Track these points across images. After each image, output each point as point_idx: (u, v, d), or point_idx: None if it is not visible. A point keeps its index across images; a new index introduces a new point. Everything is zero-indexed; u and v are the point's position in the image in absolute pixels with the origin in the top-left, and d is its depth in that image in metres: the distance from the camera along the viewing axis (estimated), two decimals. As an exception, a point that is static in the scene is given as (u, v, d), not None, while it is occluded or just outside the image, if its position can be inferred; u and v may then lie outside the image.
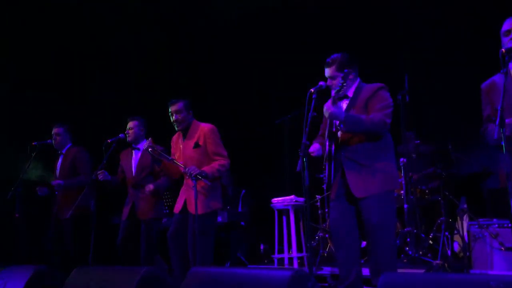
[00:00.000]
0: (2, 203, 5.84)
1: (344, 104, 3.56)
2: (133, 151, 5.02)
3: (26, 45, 7.02)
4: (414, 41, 6.20)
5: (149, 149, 4.16)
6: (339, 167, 3.49)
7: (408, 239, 5.14)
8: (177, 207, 4.33)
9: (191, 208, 4.16)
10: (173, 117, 4.33)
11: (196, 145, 4.28)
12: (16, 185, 5.23)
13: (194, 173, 4.01)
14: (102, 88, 7.34)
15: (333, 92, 3.45)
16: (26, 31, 7.05)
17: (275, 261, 5.59)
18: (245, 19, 7.21)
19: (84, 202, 4.97)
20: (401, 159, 5.28)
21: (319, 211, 6.19)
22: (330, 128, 3.49)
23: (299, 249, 5.52)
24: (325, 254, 5.71)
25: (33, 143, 5.48)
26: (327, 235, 5.76)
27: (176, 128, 4.38)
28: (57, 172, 5.37)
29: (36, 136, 5.47)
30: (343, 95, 3.53)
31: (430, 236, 5.31)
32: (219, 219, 6.27)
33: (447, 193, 5.30)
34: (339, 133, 3.51)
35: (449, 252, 5.15)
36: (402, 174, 5.29)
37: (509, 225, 4.28)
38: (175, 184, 4.92)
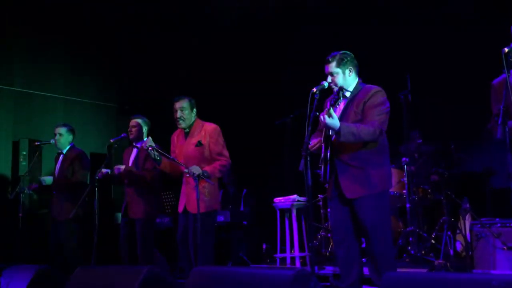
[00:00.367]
0: (5, 202, 5.88)
1: (342, 105, 3.56)
2: (134, 149, 5.03)
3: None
4: (416, 40, 6.19)
5: (149, 149, 4.12)
6: (334, 169, 3.50)
7: (411, 239, 5.14)
8: (180, 207, 4.33)
9: (191, 208, 4.16)
10: (177, 114, 4.30)
11: (199, 144, 4.25)
12: (20, 185, 5.24)
13: (197, 173, 4.00)
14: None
15: (332, 95, 3.47)
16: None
17: (277, 260, 5.59)
18: (247, 18, 7.21)
19: (87, 201, 4.98)
20: (404, 159, 5.27)
21: (321, 211, 6.19)
22: (326, 131, 3.49)
23: (301, 249, 5.52)
24: (327, 254, 5.71)
25: (36, 143, 5.50)
26: (329, 235, 5.76)
27: (178, 126, 4.34)
28: (56, 171, 5.38)
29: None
30: (343, 95, 3.55)
31: (433, 236, 5.30)
32: (221, 218, 6.27)
33: (449, 193, 5.30)
34: (333, 136, 3.52)
35: (451, 252, 5.15)
36: (405, 174, 5.29)
37: (512, 224, 4.28)
38: (175, 183, 4.92)
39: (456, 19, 5.84)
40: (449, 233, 5.13)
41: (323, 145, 3.47)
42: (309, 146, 3.43)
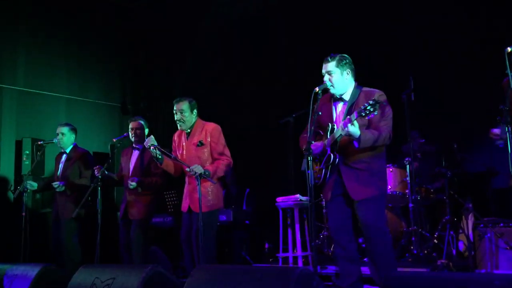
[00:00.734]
0: (8, 202, 5.89)
1: (341, 107, 3.59)
2: (133, 151, 5.04)
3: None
4: (419, 40, 6.18)
5: (151, 147, 4.14)
6: (335, 170, 3.54)
7: (413, 238, 5.14)
8: (184, 206, 4.36)
9: (194, 207, 4.19)
10: (177, 116, 4.33)
11: (200, 143, 4.28)
12: (23, 184, 5.25)
13: (199, 173, 4.01)
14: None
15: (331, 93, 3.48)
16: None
17: (280, 260, 5.59)
18: (249, 17, 7.21)
19: (90, 201, 5.00)
20: (406, 159, 5.27)
21: (324, 210, 6.17)
22: (331, 133, 3.51)
23: (304, 248, 5.52)
24: (330, 253, 5.70)
25: (39, 142, 5.52)
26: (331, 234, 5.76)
27: (179, 127, 4.37)
28: (60, 170, 5.38)
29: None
30: (339, 98, 3.58)
31: (435, 236, 5.30)
32: (224, 218, 6.28)
33: (452, 193, 5.29)
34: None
35: (454, 252, 5.14)
36: (407, 173, 5.28)
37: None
38: (178, 183, 4.94)
39: (460, 19, 5.83)
40: (451, 232, 5.13)
41: (328, 149, 3.51)
42: (312, 149, 3.45)
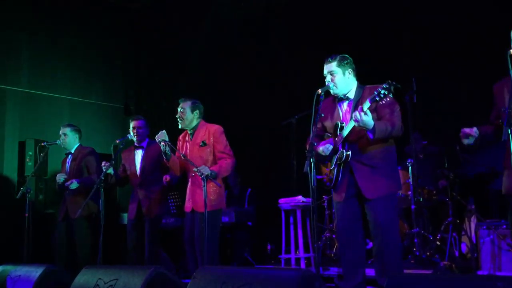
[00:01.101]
0: (11, 203, 5.90)
1: (346, 106, 3.59)
2: (136, 150, 5.07)
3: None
4: (422, 42, 6.18)
5: (162, 143, 4.20)
6: (347, 169, 3.51)
7: (416, 240, 5.13)
8: (187, 206, 4.40)
9: (197, 207, 4.24)
10: (178, 113, 4.42)
11: (203, 144, 4.35)
12: (25, 184, 5.26)
13: (205, 173, 4.05)
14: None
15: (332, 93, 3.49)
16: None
17: (282, 261, 5.59)
18: (251, 18, 7.22)
19: (95, 201, 5.00)
20: (409, 160, 5.27)
21: (326, 212, 6.18)
22: (340, 131, 3.51)
23: (306, 250, 5.52)
24: (332, 255, 5.70)
25: (42, 144, 5.53)
26: (334, 236, 5.76)
27: (179, 125, 4.45)
28: (67, 171, 5.39)
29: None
30: (343, 97, 3.59)
31: (438, 237, 5.29)
32: (226, 219, 6.29)
33: (454, 194, 5.28)
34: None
35: (456, 253, 5.13)
36: (410, 175, 5.28)
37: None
38: (180, 184, 4.95)
39: (463, 19, 5.83)
40: (454, 234, 5.12)
41: (339, 146, 3.49)
42: (318, 147, 3.46)
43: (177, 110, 4.42)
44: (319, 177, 3.55)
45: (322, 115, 3.47)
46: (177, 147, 4.53)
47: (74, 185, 5.14)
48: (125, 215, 5.95)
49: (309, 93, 3.46)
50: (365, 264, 3.60)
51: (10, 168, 6.70)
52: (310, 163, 3.18)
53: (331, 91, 3.57)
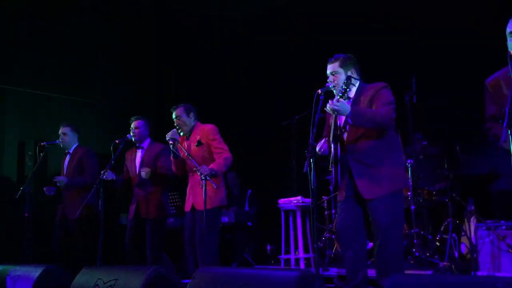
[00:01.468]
0: (11, 202, 5.89)
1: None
2: (137, 150, 5.07)
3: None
4: (421, 42, 6.18)
5: (170, 141, 4.31)
6: (346, 169, 3.50)
7: (415, 241, 5.13)
8: (187, 206, 4.45)
9: (198, 205, 4.30)
10: (175, 123, 4.51)
11: (199, 143, 4.44)
12: (25, 184, 5.26)
13: (205, 173, 4.09)
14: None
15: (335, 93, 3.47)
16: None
17: (282, 261, 5.59)
18: (252, 18, 7.22)
19: (92, 202, 5.00)
20: (409, 160, 5.27)
21: (326, 212, 6.19)
22: (335, 130, 3.49)
23: (306, 250, 5.52)
24: (332, 255, 5.70)
25: (42, 143, 5.53)
26: (334, 236, 5.76)
27: (181, 134, 4.53)
28: (64, 171, 5.41)
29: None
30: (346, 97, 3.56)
31: (437, 238, 5.29)
32: (226, 219, 6.29)
33: (454, 195, 5.28)
34: (344, 135, 3.52)
35: (456, 254, 5.13)
36: (410, 175, 5.28)
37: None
38: (180, 184, 4.96)
39: (463, 19, 5.83)
40: (454, 235, 5.12)
41: (332, 144, 3.45)
42: (317, 149, 3.44)
43: (175, 119, 4.49)
44: (328, 177, 3.54)
45: (322, 115, 3.46)
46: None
47: (61, 182, 5.15)
48: (125, 215, 5.94)
49: (310, 93, 3.46)
50: (366, 264, 3.58)
51: (10, 168, 6.70)
52: (310, 163, 3.17)
53: (334, 91, 3.55)
